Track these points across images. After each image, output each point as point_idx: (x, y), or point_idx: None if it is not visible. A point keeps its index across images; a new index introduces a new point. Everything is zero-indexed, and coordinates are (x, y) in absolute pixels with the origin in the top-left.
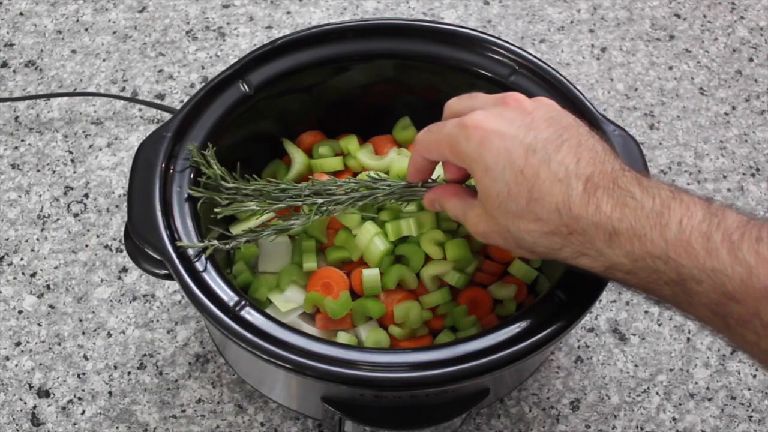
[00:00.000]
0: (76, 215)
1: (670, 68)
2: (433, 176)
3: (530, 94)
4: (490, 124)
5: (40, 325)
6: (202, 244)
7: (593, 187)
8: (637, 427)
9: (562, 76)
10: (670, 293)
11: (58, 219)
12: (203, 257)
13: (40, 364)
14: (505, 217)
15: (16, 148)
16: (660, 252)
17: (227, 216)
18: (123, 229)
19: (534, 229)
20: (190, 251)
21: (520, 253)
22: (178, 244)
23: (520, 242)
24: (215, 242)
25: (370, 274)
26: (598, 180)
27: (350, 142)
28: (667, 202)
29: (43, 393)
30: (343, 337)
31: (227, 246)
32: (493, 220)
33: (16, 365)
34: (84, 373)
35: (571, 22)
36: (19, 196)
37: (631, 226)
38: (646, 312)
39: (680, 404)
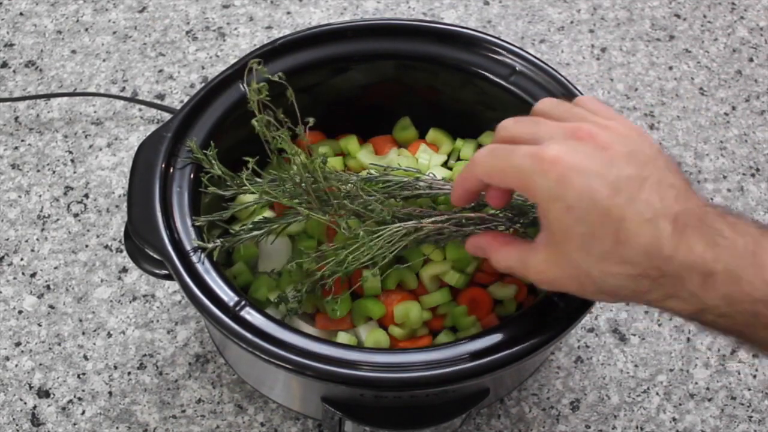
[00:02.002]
0: (76, 215)
1: (670, 68)
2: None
3: (530, 94)
4: (569, 160)
5: (40, 325)
6: (210, 245)
7: (682, 226)
8: (637, 428)
9: (562, 76)
10: None
11: (58, 219)
12: (203, 257)
13: (40, 365)
14: (588, 260)
15: (16, 148)
16: (762, 295)
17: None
18: (123, 229)
19: (620, 272)
20: (190, 251)
21: (598, 298)
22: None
23: (603, 286)
24: (218, 241)
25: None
26: (686, 219)
27: (350, 142)
28: (758, 240)
29: (43, 393)
30: (343, 337)
31: (232, 243)
32: (568, 264)
33: (16, 365)
34: (84, 374)
35: (571, 22)
36: (19, 197)
37: (726, 267)
38: (646, 312)
39: (680, 404)
